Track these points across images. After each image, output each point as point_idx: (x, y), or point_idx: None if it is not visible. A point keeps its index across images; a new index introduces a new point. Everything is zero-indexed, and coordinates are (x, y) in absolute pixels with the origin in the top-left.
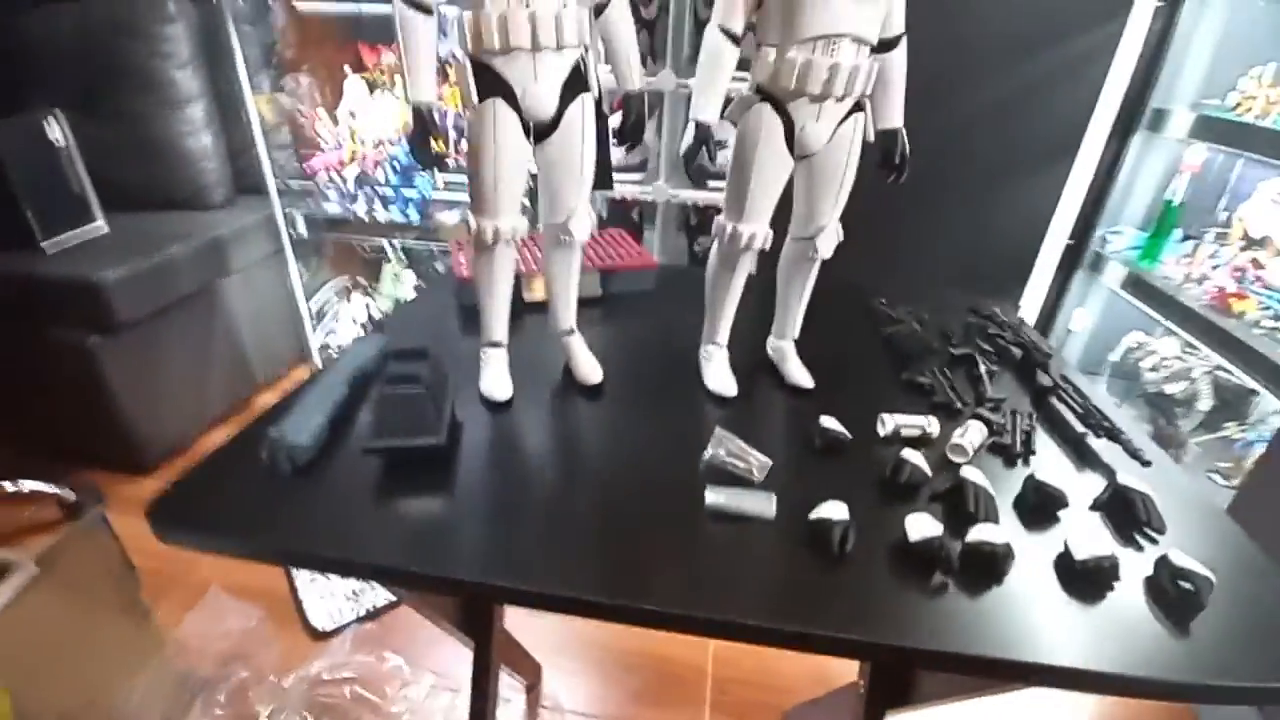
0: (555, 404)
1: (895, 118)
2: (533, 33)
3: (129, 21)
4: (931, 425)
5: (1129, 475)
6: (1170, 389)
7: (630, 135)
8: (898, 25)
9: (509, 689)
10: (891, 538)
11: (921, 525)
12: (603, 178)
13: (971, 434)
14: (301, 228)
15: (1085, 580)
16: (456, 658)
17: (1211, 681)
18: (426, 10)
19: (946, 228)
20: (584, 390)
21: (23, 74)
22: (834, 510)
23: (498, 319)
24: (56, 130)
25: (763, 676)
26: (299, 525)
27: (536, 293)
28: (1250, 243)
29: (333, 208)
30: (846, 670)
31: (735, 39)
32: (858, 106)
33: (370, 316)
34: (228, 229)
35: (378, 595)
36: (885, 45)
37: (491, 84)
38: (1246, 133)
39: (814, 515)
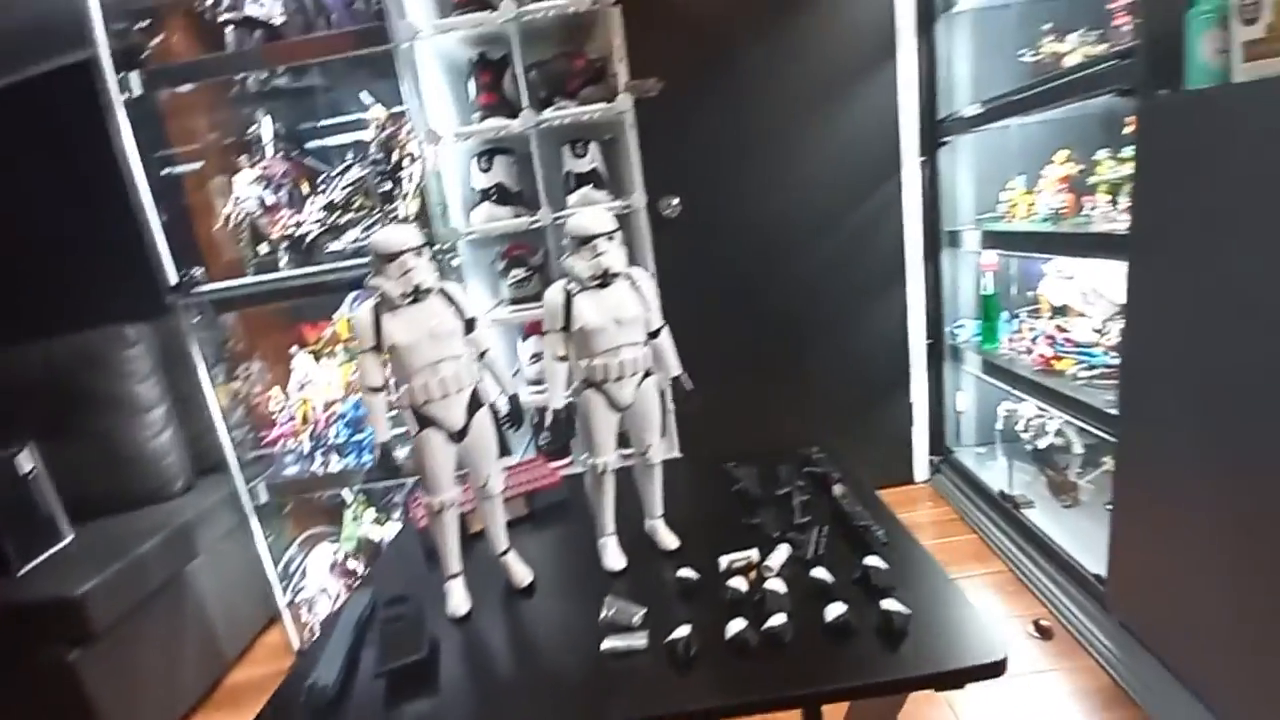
0: (504, 606)
1: (674, 370)
2: (444, 387)
3: (93, 354)
4: (754, 555)
5: (874, 558)
6: (1042, 443)
7: (514, 421)
8: (656, 322)
9: None
10: (724, 639)
11: (735, 626)
12: (501, 451)
13: (778, 555)
14: (263, 495)
15: (837, 633)
16: None
17: (910, 675)
18: (379, 390)
19: (826, 360)
20: (522, 592)
21: None
22: (680, 632)
23: (452, 558)
24: (28, 461)
25: None
26: None
27: (476, 525)
28: (1055, 311)
29: (291, 470)
30: None
31: (564, 359)
32: (648, 373)
33: (335, 562)
34: (192, 513)
35: None
36: (654, 334)
37: (424, 419)
38: (1013, 237)
39: (668, 639)
